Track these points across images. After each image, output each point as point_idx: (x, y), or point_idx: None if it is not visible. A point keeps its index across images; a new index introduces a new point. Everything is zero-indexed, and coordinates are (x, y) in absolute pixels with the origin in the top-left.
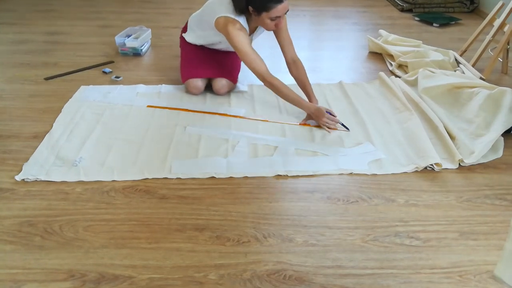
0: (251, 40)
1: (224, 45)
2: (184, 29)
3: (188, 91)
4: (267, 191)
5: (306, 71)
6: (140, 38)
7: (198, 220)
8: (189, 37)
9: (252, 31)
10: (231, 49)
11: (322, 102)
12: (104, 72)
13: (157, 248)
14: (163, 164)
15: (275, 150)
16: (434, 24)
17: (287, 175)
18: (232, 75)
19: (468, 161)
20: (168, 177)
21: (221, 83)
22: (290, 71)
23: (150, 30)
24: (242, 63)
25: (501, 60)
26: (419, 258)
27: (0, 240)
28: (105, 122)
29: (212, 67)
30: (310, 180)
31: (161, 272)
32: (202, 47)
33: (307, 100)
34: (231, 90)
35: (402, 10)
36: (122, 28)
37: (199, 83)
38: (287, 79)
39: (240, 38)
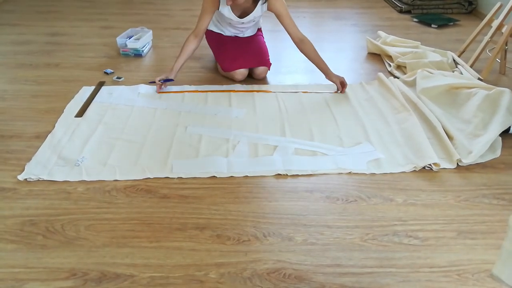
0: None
1: (233, 29)
2: None
3: (234, 78)
4: (267, 190)
5: (306, 72)
6: (142, 39)
7: (199, 219)
8: (211, 27)
9: (241, 13)
10: (247, 34)
11: (321, 102)
12: (106, 73)
13: (158, 247)
14: (164, 164)
15: (275, 150)
16: (433, 25)
17: (286, 175)
18: (267, 61)
19: (466, 161)
20: (169, 176)
21: (259, 70)
22: (300, 50)
23: (151, 31)
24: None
25: (499, 61)
26: (417, 257)
27: (2, 239)
28: (107, 122)
29: (250, 56)
30: (309, 180)
31: (162, 270)
32: (229, 38)
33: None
34: (266, 73)
35: (401, 11)
36: (123, 29)
37: (243, 71)
38: (289, 80)
39: (203, 3)
